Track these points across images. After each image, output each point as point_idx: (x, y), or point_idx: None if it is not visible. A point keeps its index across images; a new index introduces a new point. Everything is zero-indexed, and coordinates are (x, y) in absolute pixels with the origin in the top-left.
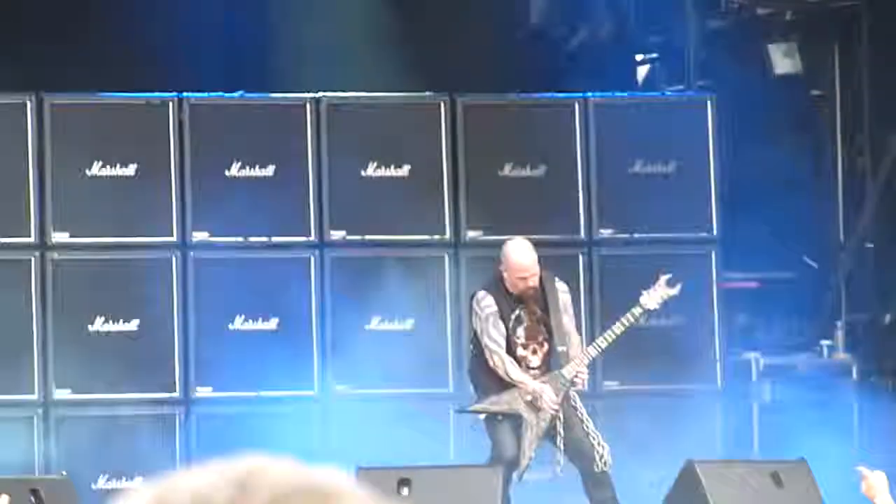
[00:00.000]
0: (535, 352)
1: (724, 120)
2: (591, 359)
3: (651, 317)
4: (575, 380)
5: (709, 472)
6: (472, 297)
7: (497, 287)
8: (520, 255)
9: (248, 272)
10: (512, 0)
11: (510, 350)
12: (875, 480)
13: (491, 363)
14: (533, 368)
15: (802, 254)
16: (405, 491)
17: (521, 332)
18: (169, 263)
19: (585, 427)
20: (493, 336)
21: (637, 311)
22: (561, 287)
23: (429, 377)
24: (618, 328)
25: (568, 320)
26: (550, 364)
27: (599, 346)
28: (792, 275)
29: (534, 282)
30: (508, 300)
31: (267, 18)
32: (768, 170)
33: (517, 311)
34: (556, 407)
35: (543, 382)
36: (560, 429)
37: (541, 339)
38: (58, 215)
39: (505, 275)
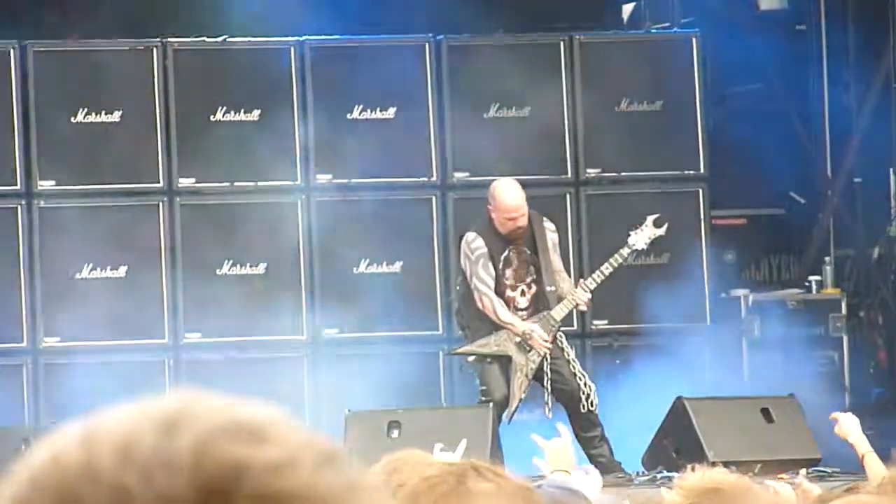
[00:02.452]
0: (523, 293)
1: (709, 57)
2: (580, 301)
3: (639, 256)
4: (579, 308)
5: (699, 409)
6: (461, 238)
7: (487, 228)
8: (508, 194)
9: (234, 217)
10: None
11: (499, 291)
12: (846, 421)
13: (480, 305)
14: (521, 309)
15: (790, 190)
16: (395, 433)
17: (509, 273)
18: (156, 210)
19: (573, 368)
20: (483, 277)
21: (625, 251)
22: (549, 227)
23: (418, 320)
24: (606, 269)
25: (557, 259)
26: (539, 305)
27: (588, 287)
28: (779, 211)
29: (522, 221)
30: (498, 241)
31: None
32: (754, 106)
33: (506, 252)
34: (548, 346)
35: (533, 323)
36: (547, 369)
37: (529, 280)
38: (44, 163)
39: (493, 215)
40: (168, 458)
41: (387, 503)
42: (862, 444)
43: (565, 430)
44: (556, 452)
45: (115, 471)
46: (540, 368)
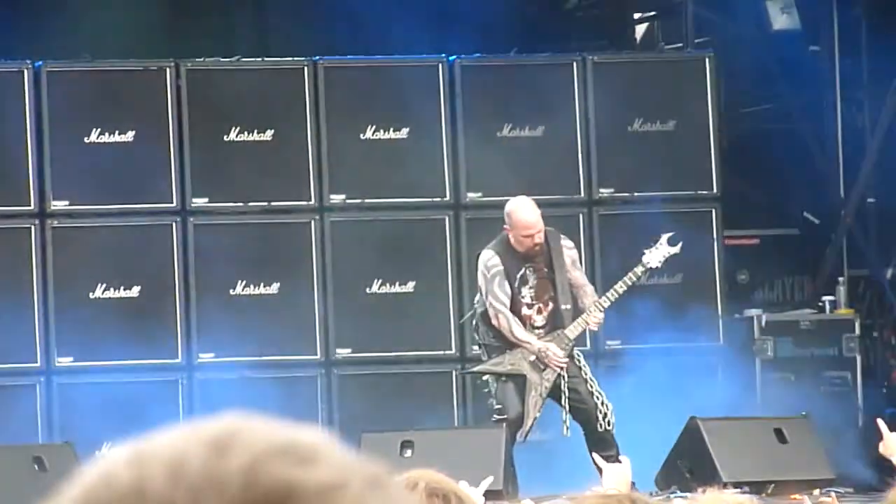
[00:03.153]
0: (539, 311)
1: (722, 77)
2: (591, 322)
3: (653, 275)
4: (590, 328)
5: (712, 430)
6: (478, 257)
7: (503, 246)
8: (524, 212)
9: (248, 237)
10: None
11: (515, 310)
12: (892, 441)
13: (495, 322)
14: (537, 328)
15: (803, 210)
16: (408, 453)
17: (526, 291)
18: (169, 230)
19: (590, 387)
20: (498, 296)
21: (639, 270)
22: (567, 244)
23: (431, 339)
24: (620, 287)
25: (578, 274)
26: (556, 323)
27: (602, 306)
28: (793, 231)
29: (539, 238)
30: (515, 259)
31: None
32: (768, 127)
33: (523, 271)
34: (563, 364)
35: (548, 342)
36: (565, 388)
37: (546, 298)
38: (57, 183)
39: (510, 234)
40: (218, 478)
41: None
42: None
43: (628, 460)
44: (616, 475)
45: (165, 491)
46: (557, 387)
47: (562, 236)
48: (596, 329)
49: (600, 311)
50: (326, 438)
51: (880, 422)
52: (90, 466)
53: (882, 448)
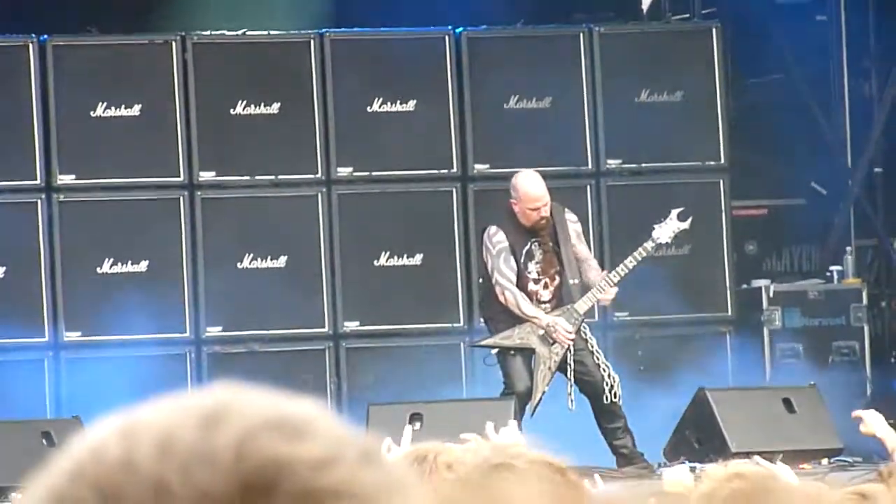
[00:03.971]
0: (546, 286)
1: (729, 48)
2: (603, 297)
3: (660, 247)
4: (600, 303)
5: (720, 400)
6: (483, 232)
7: (509, 221)
8: (530, 185)
9: (255, 211)
10: None
11: (521, 285)
12: (870, 418)
13: (502, 298)
14: (544, 302)
15: (811, 180)
16: (416, 425)
17: (532, 266)
18: (176, 203)
19: (596, 359)
20: (504, 272)
21: (649, 245)
22: (570, 217)
23: (439, 312)
24: (630, 262)
25: (582, 247)
26: (562, 297)
27: (612, 281)
28: (800, 201)
29: (545, 211)
30: (520, 234)
31: None
32: (775, 97)
33: (528, 246)
34: (571, 338)
35: (557, 317)
36: (571, 361)
37: (553, 272)
38: (63, 157)
39: (516, 207)
40: (209, 453)
41: (425, 500)
42: (891, 438)
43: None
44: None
45: (155, 465)
46: (564, 360)
47: (566, 209)
48: (607, 305)
49: (611, 285)
50: (319, 412)
51: (856, 412)
52: (79, 439)
53: (862, 427)
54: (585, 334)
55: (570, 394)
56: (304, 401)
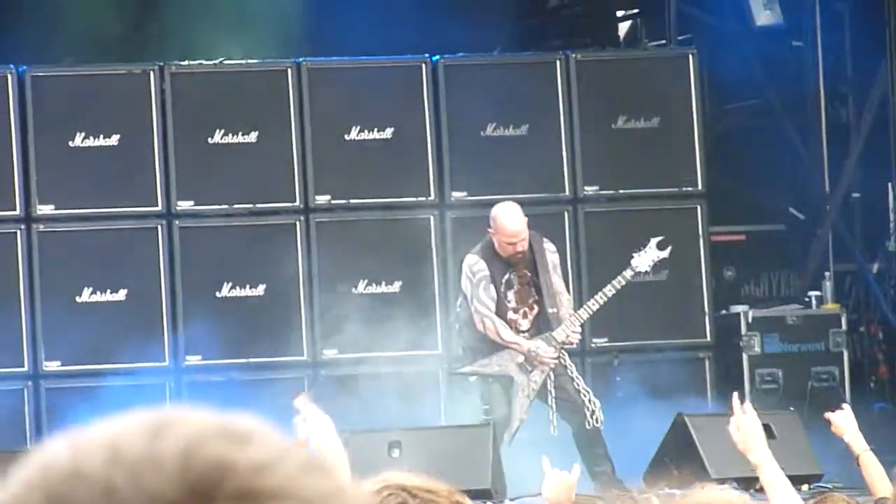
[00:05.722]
0: (525, 315)
1: (706, 73)
2: (582, 321)
3: (639, 273)
4: (566, 341)
5: (699, 426)
6: (462, 261)
7: (488, 250)
8: (508, 219)
9: (233, 239)
10: None
11: (500, 314)
12: (840, 420)
13: (481, 327)
14: (523, 332)
15: (788, 206)
16: (395, 453)
17: (511, 295)
18: (154, 233)
19: (576, 385)
20: (484, 300)
21: (628, 273)
22: (549, 247)
23: (418, 339)
24: (609, 290)
25: (557, 280)
26: (540, 327)
27: (591, 309)
28: (779, 227)
29: (522, 246)
30: (499, 264)
31: None
32: (752, 122)
33: (507, 275)
34: (554, 362)
35: (538, 340)
36: (551, 387)
37: (531, 301)
38: (42, 187)
39: (494, 238)
40: (156, 458)
41: None
42: (857, 444)
43: (578, 469)
44: (559, 484)
45: (104, 471)
46: (543, 386)
47: (545, 239)
48: (573, 344)
49: (580, 321)
50: (263, 423)
51: (827, 414)
52: (31, 454)
53: (833, 428)
54: (564, 360)
55: (553, 420)
56: (248, 415)
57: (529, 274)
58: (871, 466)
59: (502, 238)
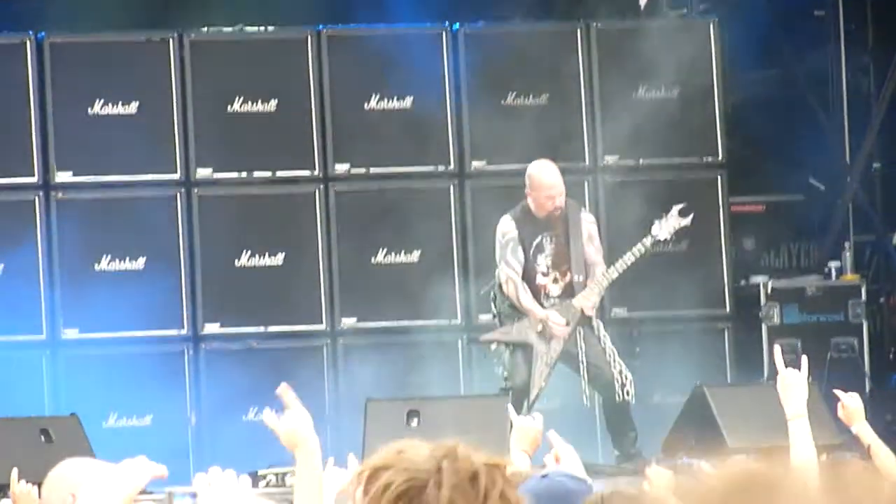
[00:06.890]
0: (556, 280)
1: (726, 43)
2: (602, 289)
3: (657, 243)
4: (584, 310)
5: (718, 396)
6: (496, 226)
7: (522, 213)
8: (544, 173)
9: (252, 208)
10: None
11: (529, 277)
12: (850, 405)
13: (505, 289)
14: (554, 297)
15: (809, 176)
16: (414, 422)
17: (542, 259)
18: (173, 200)
19: (608, 357)
20: (510, 262)
21: (648, 241)
22: (587, 217)
23: (437, 308)
24: (629, 258)
25: (592, 250)
26: (573, 294)
27: (610, 277)
28: (798, 197)
29: (560, 201)
30: (532, 227)
31: None
32: (773, 92)
33: (539, 239)
34: (564, 332)
35: (552, 309)
36: (583, 358)
37: (564, 268)
38: (61, 155)
39: (530, 198)
40: None
41: None
42: (866, 434)
43: (541, 417)
44: (525, 432)
45: None
46: (575, 357)
47: (583, 209)
48: (590, 313)
49: (599, 290)
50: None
51: (837, 391)
52: None
53: (840, 413)
54: (598, 331)
55: (585, 390)
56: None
57: (563, 239)
58: (883, 455)
59: (540, 193)
